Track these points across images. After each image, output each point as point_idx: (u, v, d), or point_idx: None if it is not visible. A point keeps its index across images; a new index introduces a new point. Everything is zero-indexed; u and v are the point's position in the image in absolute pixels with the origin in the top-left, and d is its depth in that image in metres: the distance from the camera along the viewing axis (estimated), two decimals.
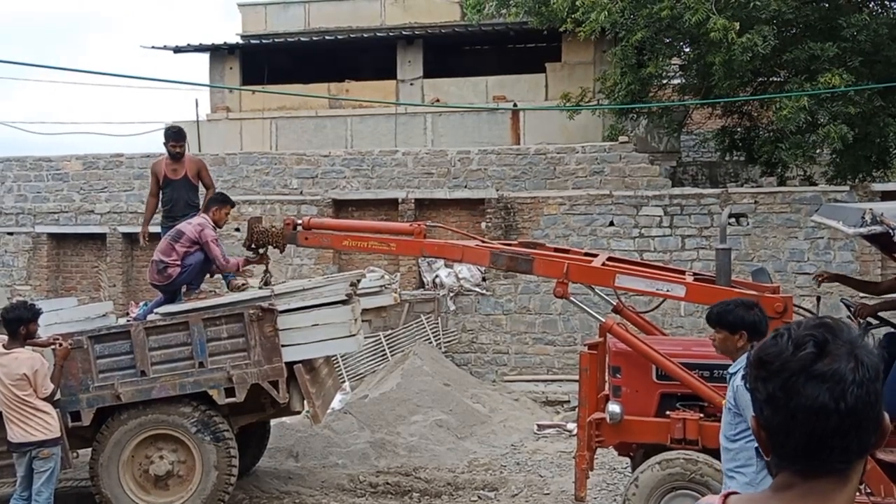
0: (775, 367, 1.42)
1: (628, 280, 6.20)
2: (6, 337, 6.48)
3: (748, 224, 13.50)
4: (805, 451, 1.41)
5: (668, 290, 6.13)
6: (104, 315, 8.94)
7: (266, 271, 7.84)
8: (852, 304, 6.15)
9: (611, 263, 6.58)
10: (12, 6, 62.48)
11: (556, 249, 7.12)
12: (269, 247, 7.53)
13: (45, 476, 6.44)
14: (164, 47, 18.99)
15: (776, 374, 1.42)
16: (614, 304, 6.81)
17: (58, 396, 6.70)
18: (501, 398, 12.71)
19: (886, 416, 1.45)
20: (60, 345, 6.66)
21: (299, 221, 7.37)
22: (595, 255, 6.90)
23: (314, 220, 7.60)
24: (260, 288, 7.73)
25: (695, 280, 6.26)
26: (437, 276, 14.40)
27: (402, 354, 13.45)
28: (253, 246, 7.49)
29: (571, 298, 6.31)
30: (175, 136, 8.72)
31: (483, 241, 7.45)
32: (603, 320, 6.25)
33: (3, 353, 6.40)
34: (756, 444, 4.02)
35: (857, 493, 5.13)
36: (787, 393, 1.40)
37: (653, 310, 7.70)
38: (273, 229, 7.39)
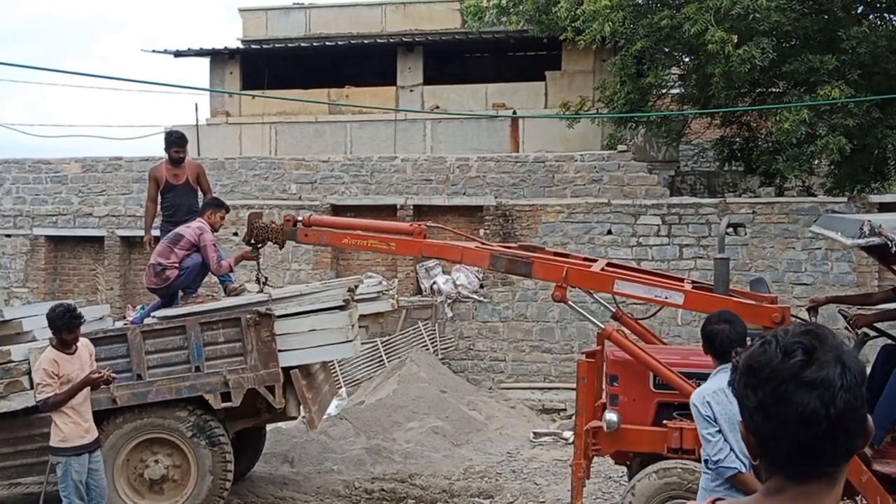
0: (765, 375, 1.44)
1: (627, 286, 6.17)
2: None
3: (746, 234, 13.51)
4: (795, 455, 1.44)
5: (666, 297, 6.11)
6: (101, 318, 8.92)
7: (258, 269, 7.81)
8: (849, 315, 6.14)
9: (610, 269, 6.57)
10: (18, 9, 62.63)
11: (555, 254, 7.11)
12: (269, 242, 7.49)
13: (60, 482, 6.40)
14: (165, 51, 19.02)
15: (766, 381, 1.44)
16: (613, 310, 6.79)
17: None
18: (498, 405, 12.69)
19: (870, 419, 1.47)
20: (100, 374, 6.31)
21: (299, 218, 7.34)
22: (594, 261, 6.89)
23: (314, 217, 7.57)
24: (260, 290, 7.71)
25: (693, 288, 6.26)
26: (434, 283, 14.40)
27: (398, 361, 13.44)
28: (252, 241, 7.47)
29: (570, 303, 6.28)
30: (178, 141, 8.71)
31: (482, 243, 7.44)
32: (602, 326, 6.23)
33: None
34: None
35: None
36: (777, 400, 1.42)
37: (650, 317, 7.67)
38: (273, 225, 7.37)
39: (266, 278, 7.88)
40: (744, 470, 4.09)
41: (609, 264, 6.86)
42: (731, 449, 4.10)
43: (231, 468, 7.37)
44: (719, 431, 4.11)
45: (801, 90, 12.84)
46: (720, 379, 4.22)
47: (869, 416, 1.47)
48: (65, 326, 6.20)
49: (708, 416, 4.12)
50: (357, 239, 7.19)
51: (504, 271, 6.92)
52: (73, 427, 6.30)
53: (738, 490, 4.03)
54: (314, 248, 15.06)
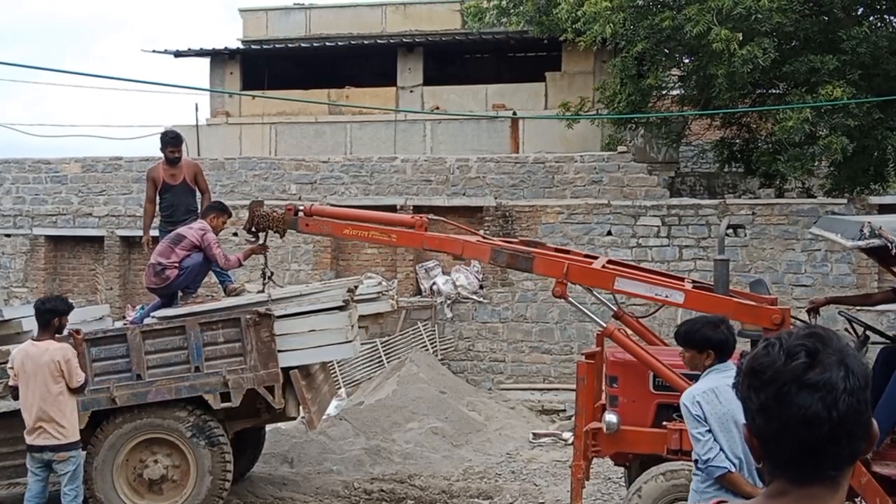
0: (767, 377, 1.44)
1: (628, 283, 6.15)
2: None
3: (746, 235, 13.50)
4: (798, 458, 1.43)
5: (666, 296, 6.09)
6: (101, 318, 8.92)
7: (265, 263, 7.79)
8: (854, 318, 6.14)
9: (611, 266, 6.55)
10: (18, 9, 62.63)
11: (556, 250, 7.08)
12: (270, 231, 7.46)
13: (67, 477, 6.49)
14: (165, 51, 19.02)
15: (769, 383, 1.44)
16: (614, 310, 6.78)
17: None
18: (497, 406, 12.69)
19: (875, 423, 1.46)
20: (78, 332, 6.79)
21: (301, 207, 7.32)
22: (595, 258, 6.88)
23: (316, 206, 7.54)
24: (264, 284, 7.70)
25: (694, 288, 6.25)
26: (434, 284, 14.39)
27: (398, 361, 13.43)
28: (253, 230, 7.45)
29: (570, 299, 6.27)
30: (173, 141, 8.71)
31: (484, 238, 7.42)
32: (604, 325, 6.21)
33: (33, 345, 6.46)
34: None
35: None
36: (779, 402, 1.42)
37: (649, 315, 7.64)
38: (274, 214, 7.35)
39: (272, 272, 7.86)
40: (733, 470, 4.09)
41: (610, 262, 6.85)
42: (721, 449, 4.11)
43: (230, 468, 7.37)
44: (709, 431, 4.12)
45: (803, 90, 12.84)
46: (711, 379, 4.23)
47: (874, 420, 1.46)
48: (68, 309, 6.57)
49: (698, 416, 4.13)
50: (358, 230, 7.15)
51: (505, 266, 6.90)
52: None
53: (727, 490, 4.03)
54: (314, 248, 15.05)
